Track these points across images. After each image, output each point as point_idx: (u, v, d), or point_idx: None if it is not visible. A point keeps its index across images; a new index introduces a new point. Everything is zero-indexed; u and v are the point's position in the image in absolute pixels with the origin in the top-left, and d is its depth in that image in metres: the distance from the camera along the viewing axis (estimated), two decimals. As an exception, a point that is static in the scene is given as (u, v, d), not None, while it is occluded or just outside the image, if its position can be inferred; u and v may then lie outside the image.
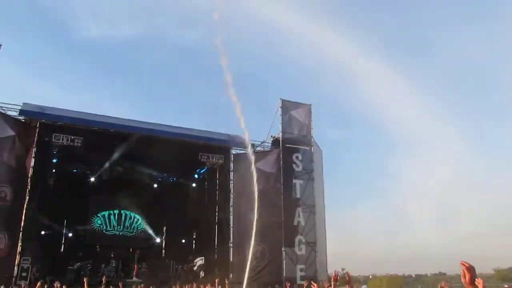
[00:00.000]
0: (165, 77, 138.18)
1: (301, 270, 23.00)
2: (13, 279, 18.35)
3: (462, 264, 2.60)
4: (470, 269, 2.58)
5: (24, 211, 19.65)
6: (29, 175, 20.17)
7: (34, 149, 20.43)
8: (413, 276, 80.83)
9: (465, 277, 2.57)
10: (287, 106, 25.46)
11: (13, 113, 20.25)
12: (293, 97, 26.45)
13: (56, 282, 11.76)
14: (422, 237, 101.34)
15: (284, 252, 23.10)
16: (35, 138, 20.38)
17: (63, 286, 12.71)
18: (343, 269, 67.09)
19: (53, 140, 20.54)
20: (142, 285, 17.93)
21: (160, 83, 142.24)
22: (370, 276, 71.46)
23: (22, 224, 19.66)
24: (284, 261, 23.04)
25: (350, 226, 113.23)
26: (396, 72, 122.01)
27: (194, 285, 16.02)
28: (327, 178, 27.24)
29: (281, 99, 25.54)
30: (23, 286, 17.25)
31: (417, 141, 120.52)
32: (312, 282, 8.99)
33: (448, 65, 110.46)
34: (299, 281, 21.79)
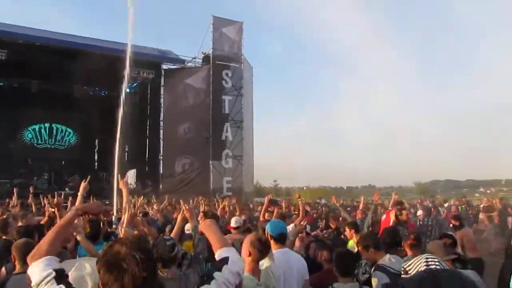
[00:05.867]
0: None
1: (227, 182, 24.48)
2: None
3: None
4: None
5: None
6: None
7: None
8: (345, 188, 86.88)
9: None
10: (218, 23, 25.51)
11: None
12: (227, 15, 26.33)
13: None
14: (358, 154, 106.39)
15: (211, 165, 24.41)
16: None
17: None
18: (275, 181, 71.06)
19: (-25, 53, 19.94)
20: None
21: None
22: (304, 188, 75.89)
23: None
24: (212, 174, 24.44)
25: (289, 140, 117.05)
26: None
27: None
28: (268, 94, 28.14)
29: (213, 15, 25.53)
30: None
31: (360, 62, 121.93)
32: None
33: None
34: (225, 193, 23.29)
